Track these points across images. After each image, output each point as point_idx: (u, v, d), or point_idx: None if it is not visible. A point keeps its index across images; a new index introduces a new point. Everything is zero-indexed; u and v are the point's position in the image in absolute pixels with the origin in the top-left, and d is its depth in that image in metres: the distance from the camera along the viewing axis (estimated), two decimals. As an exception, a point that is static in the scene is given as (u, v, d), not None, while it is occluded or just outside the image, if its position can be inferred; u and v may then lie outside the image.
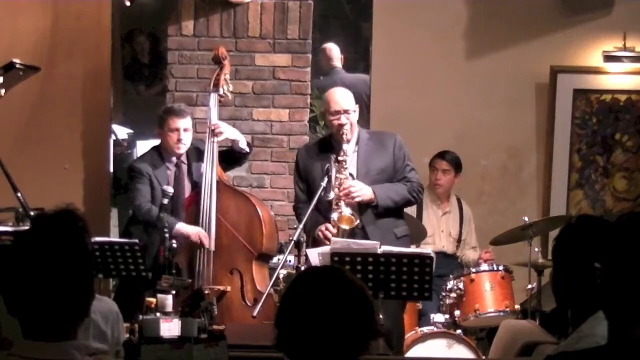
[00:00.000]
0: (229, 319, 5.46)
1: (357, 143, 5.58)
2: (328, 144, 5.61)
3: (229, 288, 5.72)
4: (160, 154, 6.09)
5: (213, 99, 6.04)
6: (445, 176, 6.73)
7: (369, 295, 2.31)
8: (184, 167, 6.08)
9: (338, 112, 5.49)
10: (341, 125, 5.46)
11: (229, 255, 5.84)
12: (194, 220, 5.86)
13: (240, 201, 5.91)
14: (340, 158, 5.42)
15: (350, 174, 5.48)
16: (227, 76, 6.07)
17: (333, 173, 5.45)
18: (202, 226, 5.82)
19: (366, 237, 5.32)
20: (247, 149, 6.18)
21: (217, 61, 6.10)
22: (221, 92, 6.03)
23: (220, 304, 5.53)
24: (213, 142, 5.93)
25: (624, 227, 2.12)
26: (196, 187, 5.98)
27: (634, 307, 2.05)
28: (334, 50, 8.24)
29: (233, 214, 5.88)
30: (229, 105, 6.87)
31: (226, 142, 6.12)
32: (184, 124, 6.00)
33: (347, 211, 5.35)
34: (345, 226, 5.35)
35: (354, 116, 5.54)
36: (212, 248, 5.81)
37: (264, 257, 5.93)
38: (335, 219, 5.35)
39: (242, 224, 5.86)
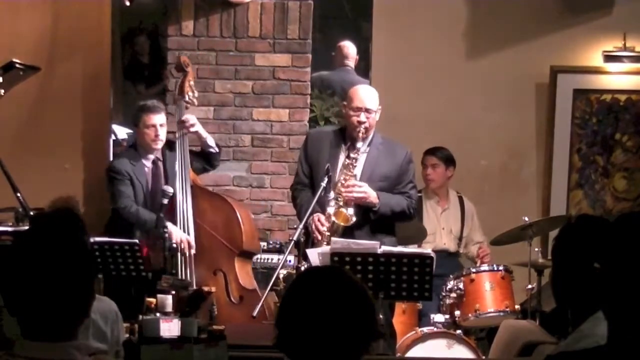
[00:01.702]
0: (217, 318, 5.47)
1: (369, 145, 5.55)
2: (341, 137, 5.57)
3: (213, 289, 5.72)
4: (137, 151, 6.12)
5: (180, 105, 6.15)
6: (435, 170, 6.73)
7: (371, 296, 2.31)
8: (160, 164, 6.13)
9: (359, 109, 5.44)
10: (360, 123, 5.42)
11: (210, 256, 5.91)
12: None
13: (216, 202, 5.99)
14: (352, 155, 5.40)
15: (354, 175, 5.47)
16: (192, 83, 6.19)
17: (339, 168, 5.43)
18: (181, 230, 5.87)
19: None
20: (216, 149, 6.24)
21: (180, 69, 6.23)
22: (187, 98, 6.15)
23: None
24: (184, 138, 6.02)
25: (622, 226, 2.12)
26: (171, 180, 6.00)
27: (633, 307, 2.05)
28: (350, 49, 8.22)
29: (210, 216, 5.95)
30: (229, 105, 6.89)
31: (196, 141, 6.18)
32: (159, 119, 6.06)
33: (349, 211, 5.33)
34: (339, 222, 5.34)
35: (375, 117, 5.49)
36: (193, 251, 5.85)
37: (246, 255, 6.01)
38: (332, 212, 5.34)
39: (220, 224, 5.93)
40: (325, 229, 5.33)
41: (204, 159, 6.25)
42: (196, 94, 6.23)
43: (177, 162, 6.00)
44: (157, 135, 6.04)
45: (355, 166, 5.40)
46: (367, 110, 5.44)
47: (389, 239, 5.51)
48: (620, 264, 2.07)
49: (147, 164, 6.11)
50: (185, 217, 5.89)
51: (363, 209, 5.43)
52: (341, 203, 5.36)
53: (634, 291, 2.04)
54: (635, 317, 2.05)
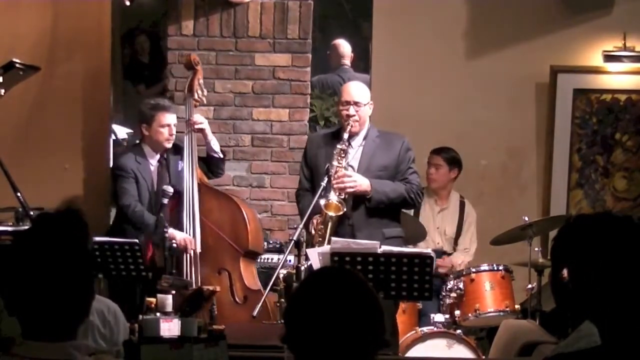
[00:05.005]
0: (221, 318, 5.47)
1: (365, 138, 5.61)
2: (338, 136, 5.61)
3: (218, 288, 5.74)
4: (142, 149, 6.10)
5: (189, 103, 6.13)
6: (438, 171, 6.73)
7: (380, 300, 2.29)
8: (164, 162, 6.11)
9: (348, 103, 5.55)
10: (348, 116, 5.51)
11: (215, 255, 5.89)
12: (177, 224, 5.88)
13: (222, 201, 5.97)
14: (339, 146, 5.46)
15: (351, 166, 5.51)
16: (201, 81, 6.19)
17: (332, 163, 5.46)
18: (186, 229, 5.85)
19: (353, 233, 5.33)
20: (220, 154, 6.21)
21: (190, 67, 6.20)
22: (196, 96, 6.14)
23: (211, 304, 5.57)
24: (192, 136, 6.00)
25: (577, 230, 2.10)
26: (174, 181, 5.99)
27: (616, 309, 2.04)
28: (345, 48, 8.27)
29: (216, 215, 5.94)
30: (229, 104, 6.90)
31: (202, 142, 6.15)
32: (173, 119, 6.06)
33: (334, 198, 5.36)
34: (332, 213, 5.36)
35: (364, 110, 5.57)
36: (199, 250, 5.83)
37: (251, 255, 5.99)
38: (323, 205, 5.36)
39: (226, 224, 5.91)
40: (319, 226, 5.35)
41: (206, 166, 6.20)
42: (205, 92, 6.23)
43: (184, 159, 5.96)
44: (171, 135, 6.04)
45: (343, 157, 5.44)
46: (355, 104, 5.53)
47: (390, 229, 5.52)
48: (590, 268, 2.06)
49: (153, 162, 6.09)
50: (191, 215, 5.86)
51: (359, 197, 5.46)
52: (329, 195, 5.37)
53: (608, 295, 2.03)
54: (622, 319, 2.04)
